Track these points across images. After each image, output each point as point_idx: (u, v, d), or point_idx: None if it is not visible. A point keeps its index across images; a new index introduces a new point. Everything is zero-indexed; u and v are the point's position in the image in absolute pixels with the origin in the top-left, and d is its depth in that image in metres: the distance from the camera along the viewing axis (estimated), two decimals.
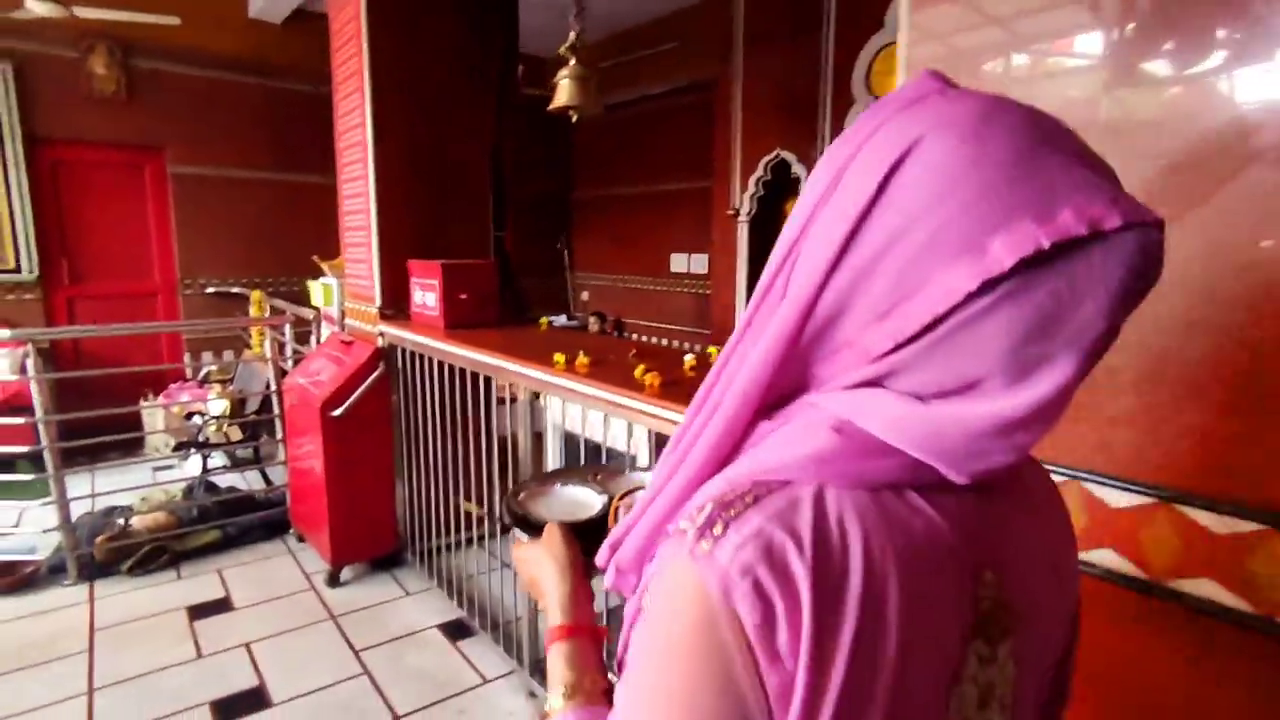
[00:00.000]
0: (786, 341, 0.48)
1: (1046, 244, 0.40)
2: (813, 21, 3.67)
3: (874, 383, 0.47)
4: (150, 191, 4.97)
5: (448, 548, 2.85)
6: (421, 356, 2.76)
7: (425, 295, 2.87)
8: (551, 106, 2.92)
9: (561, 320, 6.74)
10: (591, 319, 6.17)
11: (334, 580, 2.98)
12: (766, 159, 3.98)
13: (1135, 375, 0.91)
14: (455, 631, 2.66)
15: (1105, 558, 0.95)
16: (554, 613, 0.68)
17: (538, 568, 0.73)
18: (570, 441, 2.37)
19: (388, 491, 3.08)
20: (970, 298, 0.42)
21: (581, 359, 2.03)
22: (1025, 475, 0.56)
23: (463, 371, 2.49)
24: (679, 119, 5.56)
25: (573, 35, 2.83)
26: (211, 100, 5.06)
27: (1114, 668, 0.94)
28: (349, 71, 3.01)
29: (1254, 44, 0.81)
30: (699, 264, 5.86)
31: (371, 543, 3.07)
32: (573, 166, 6.95)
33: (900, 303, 0.44)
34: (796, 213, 0.49)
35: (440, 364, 2.62)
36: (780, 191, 4.12)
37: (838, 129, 3.62)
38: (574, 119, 2.99)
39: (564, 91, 2.83)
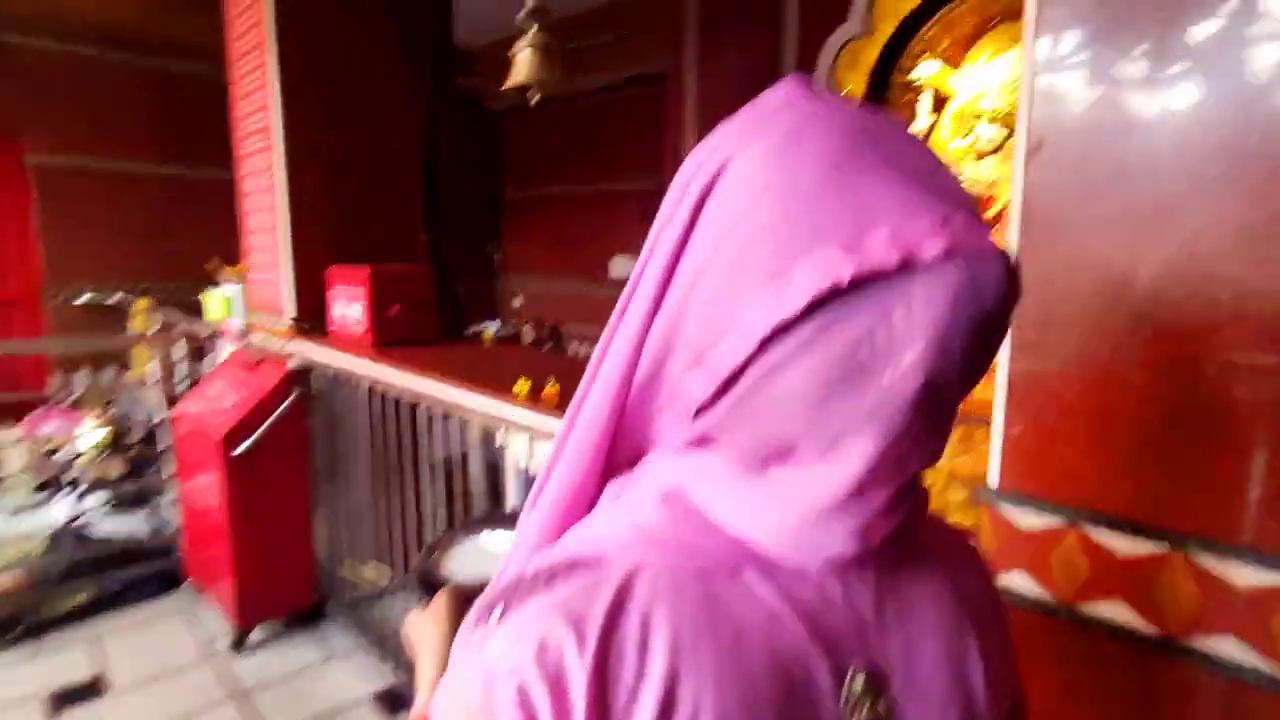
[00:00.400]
0: (614, 392, 0.43)
1: (847, 277, 0.34)
2: (772, 11, 3.44)
3: (705, 441, 0.42)
4: (3, 185, 4.26)
5: (379, 596, 2.44)
6: (345, 380, 2.34)
7: (349, 307, 2.45)
8: (508, 84, 2.55)
9: (494, 327, 6.36)
10: (526, 327, 5.78)
11: (241, 644, 2.51)
12: None
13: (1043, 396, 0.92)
14: (392, 703, 2.26)
15: (1017, 581, 0.95)
16: (420, 697, 0.56)
17: (419, 642, 0.62)
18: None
19: (305, 535, 2.63)
20: (768, 342, 0.36)
21: (551, 387, 1.69)
22: (926, 540, 0.46)
23: (397, 398, 2.10)
24: (622, 115, 5.26)
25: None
26: (78, 80, 4.39)
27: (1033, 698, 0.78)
28: (249, 45, 2.56)
29: None
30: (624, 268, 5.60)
31: (287, 596, 2.62)
32: (504, 164, 6.53)
33: (709, 347, 0.39)
34: (647, 241, 0.44)
35: (370, 389, 2.22)
36: None
37: None
38: (532, 101, 2.64)
39: (524, 65, 2.47)
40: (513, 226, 6.57)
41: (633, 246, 5.49)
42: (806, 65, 3.32)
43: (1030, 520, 0.94)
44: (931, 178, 0.38)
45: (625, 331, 0.43)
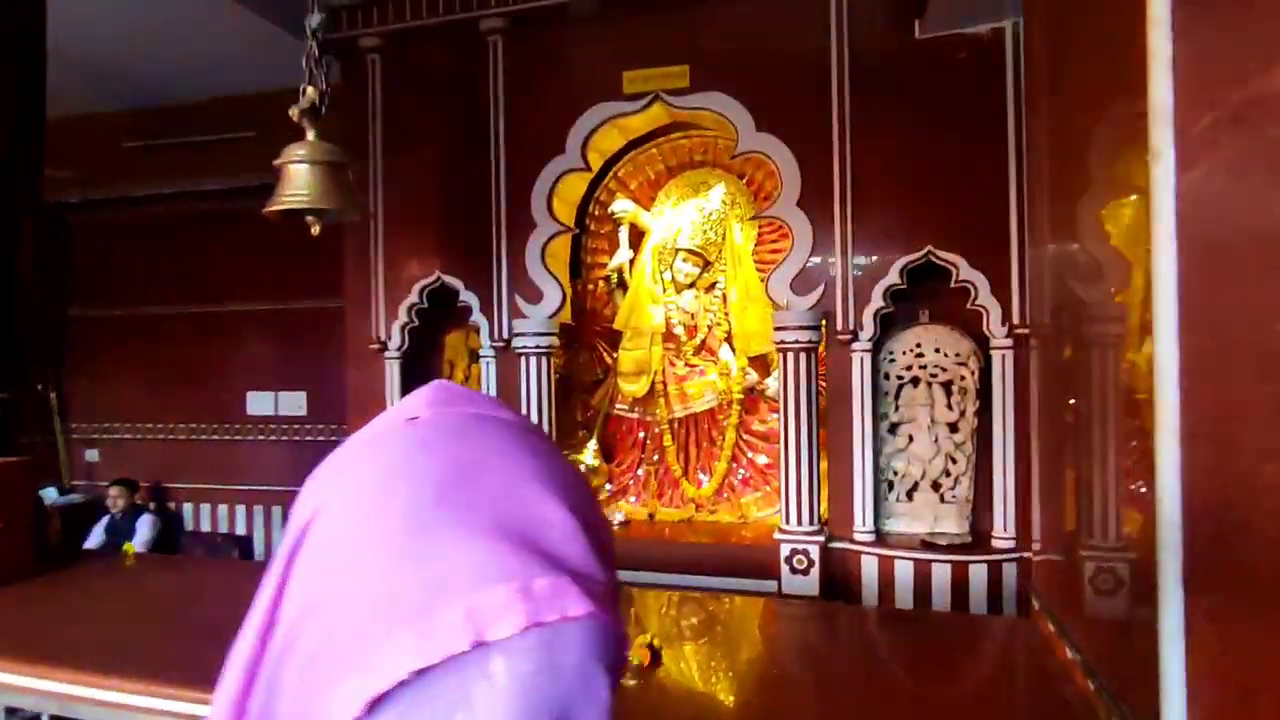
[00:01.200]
0: None
1: (413, 669, 0.31)
2: (476, 129, 3.22)
3: None
4: None
5: None
6: None
7: None
8: (274, 207, 1.86)
9: (53, 495, 4.54)
10: (114, 490, 4.24)
11: None
12: (423, 283, 3.29)
13: None
14: None
15: None
16: None
17: None
18: None
19: None
20: None
21: None
22: None
23: None
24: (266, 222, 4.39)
25: (310, 91, 1.85)
26: None
27: None
28: None
29: None
30: (291, 404, 4.62)
31: None
32: (72, 278, 4.90)
33: None
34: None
35: None
36: (443, 319, 3.45)
37: (515, 253, 3.20)
38: (315, 229, 1.94)
39: (300, 182, 1.82)
40: (85, 357, 4.93)
41: (279, 379, 4.54)
42: (521, 188, 3.15)
43: None
44: (535, 526, 0.35)
45: (220, 699, 0.38)
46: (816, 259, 2.84)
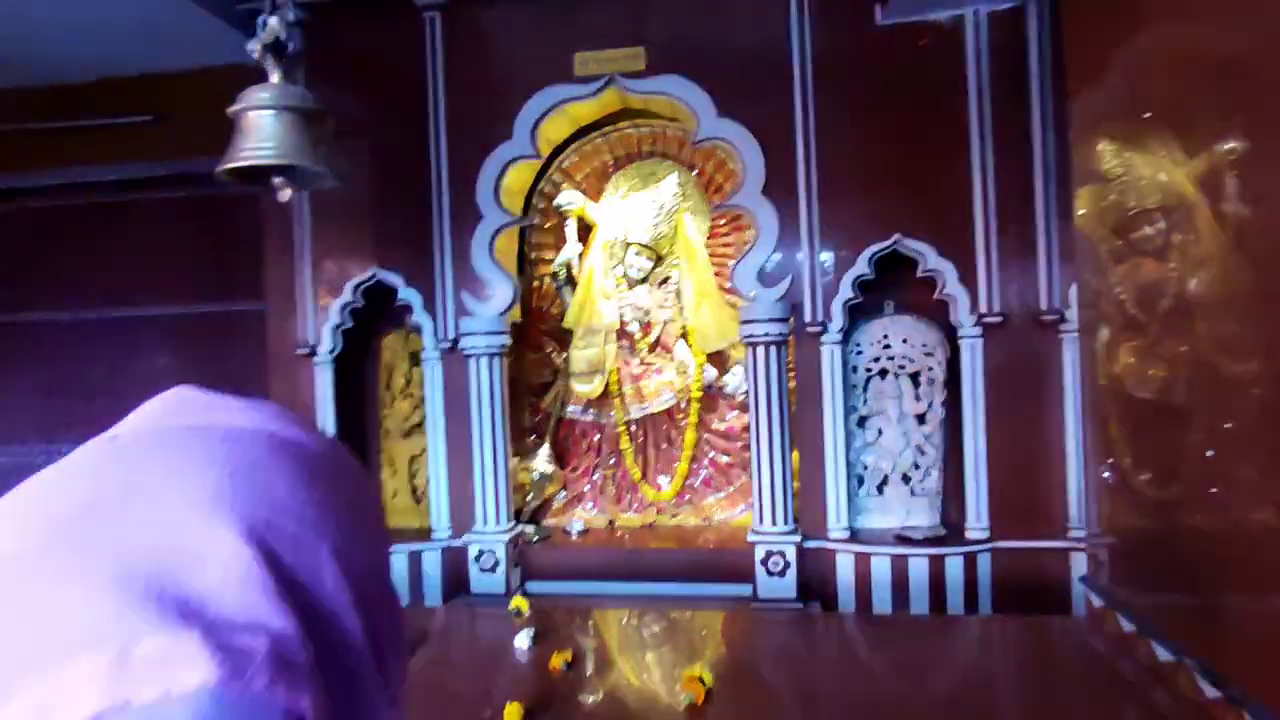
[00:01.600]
0: None
1: None
2: (413, 114, 2.97)
3: None
4: None
5: None
6: None
7: None
8: (231, 164, 1.55)
9: None
10: None
11: None
12: (357, 280, 3.00)
13: None
14: None
15: None
16: None
17: None
18: None
19: None
20: None
21: None
22: None
23: None
24: (169, 216, 3.95)
25: (273, 22, 1.57)
26: None
27: None
28: None
29: None
30: None
31: None
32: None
33: None
34: None
35: None
36: (379, 320, 3.17)
37: (460, 247, 2.96)
38: (283, 197, 1.65)
39: (265, 133, 1.53)
40: None
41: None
42: (464, 177, 2.93)
43: None
44: (176, 567, 0.27)
45: None
46: (782, 250, 2.75)
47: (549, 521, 3.34)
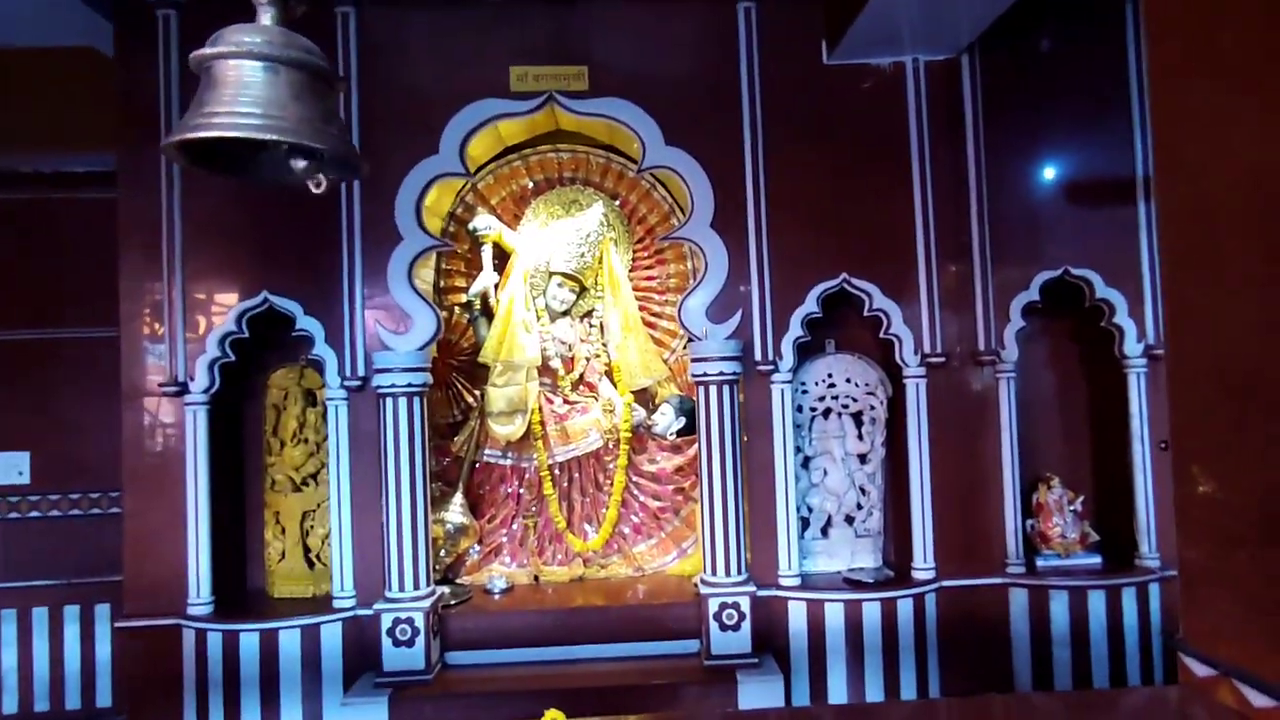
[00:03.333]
0: None
1: None
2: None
3: None
4: None
5: None
6: None
7: None
8: (215, 132, 1.09)
9: None
10: None
11: None
12: (244, 306, 2.54)
13: None
14: None
15: None
16: None
17: None
18: None
19: None
20: None
21: None
22: None
23: None
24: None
25: None
26: None
27: None
28: None
29: None
30: (4, 469, 3.42)
31: None
32: None
33: None
34: None
35: None
36: (264, 353, 2.71)
37: (372, 270, 2.61)
38: (319, 187, 1.22)
39: (263, 93, 1.09)
40: None
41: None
42: (380, 193, 2.59)
43: None
44: None
45: None
46: (730, 286, 2.65)
47: (464, 579, 2.98)
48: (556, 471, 3.13)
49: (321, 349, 2.57)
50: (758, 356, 2.63)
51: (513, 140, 2.99)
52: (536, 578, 3.01)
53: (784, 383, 2.63)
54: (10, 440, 3.41)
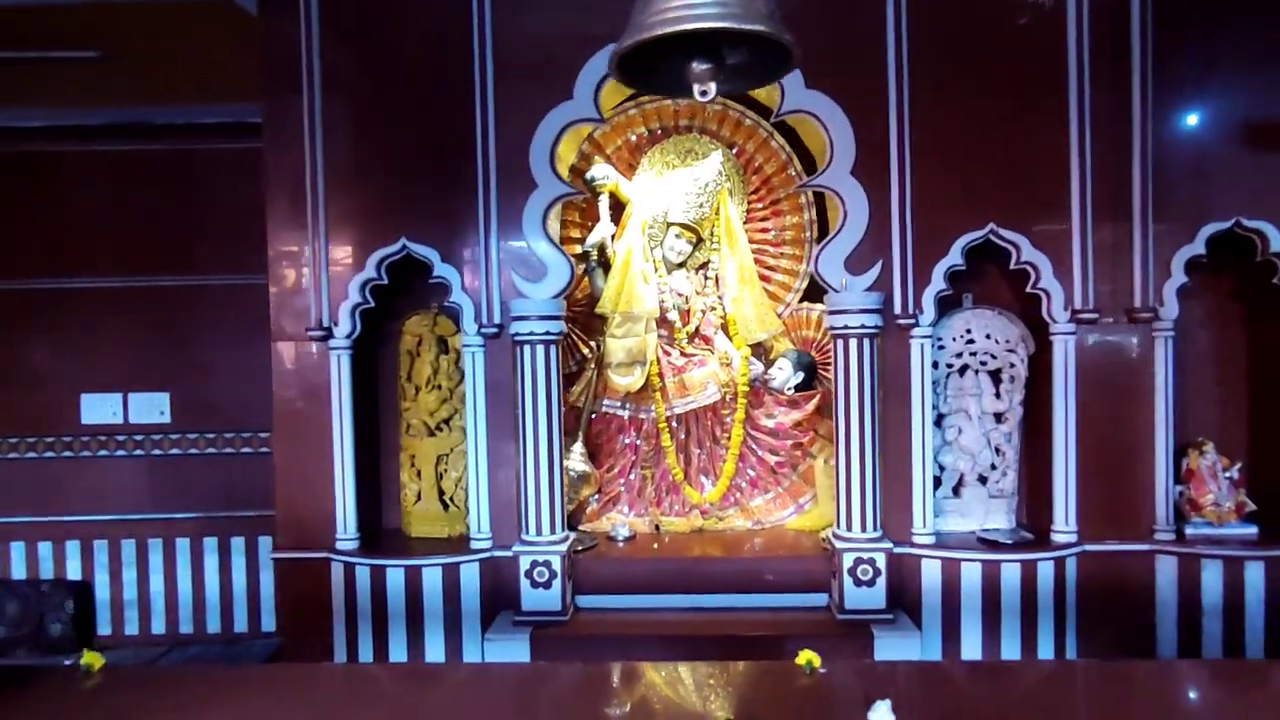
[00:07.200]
0: None
1: None
2: (455, 63, 2.59)
3: None
4: None
5: None
6: None
7: None
8: (659, 32, 1.11)
9: None
10: None
11: None
12: (383, 254, 2.59)
13: None
14: None
15: None
16: None
17: None
18: None
19: None
20: None
21: None
22: None
23: None
24: (118, 171, 3.36)
25: None
26: None
27: None
28: None
29: None
30: (148, 408, 3.62)
31: None
32: None
33: None
34: None
35: None
36: (400, 300, 2.77)
37: (507, 218, 2.61)
38: (710, 94, 1.23)
39: None
40: None
41: (130, 377, 3.52)
42: (514, 142, 2.58)
43: None
44: None
45: None
46: (870, 236, 2.55)
47: (585, 527, 3.04)
48: (674, 424, 3.13)
49: (458, 296, 2.60)
50: (897, 310, 2.55)
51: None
52: (657, 527, 3.04)
53: (924, 337, 2.54)
54: (152, 381, 3.61)
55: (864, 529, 2.50)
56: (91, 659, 1.02)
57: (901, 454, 2.56)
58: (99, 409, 3.61)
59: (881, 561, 2.47)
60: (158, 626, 3.64)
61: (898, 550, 2.53)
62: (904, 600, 2.55)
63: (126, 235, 3.52)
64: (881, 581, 2.47)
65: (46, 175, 3.44)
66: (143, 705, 0.94)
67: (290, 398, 2.67)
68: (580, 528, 3.02)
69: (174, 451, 3.63)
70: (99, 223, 3.48)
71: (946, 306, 2.67)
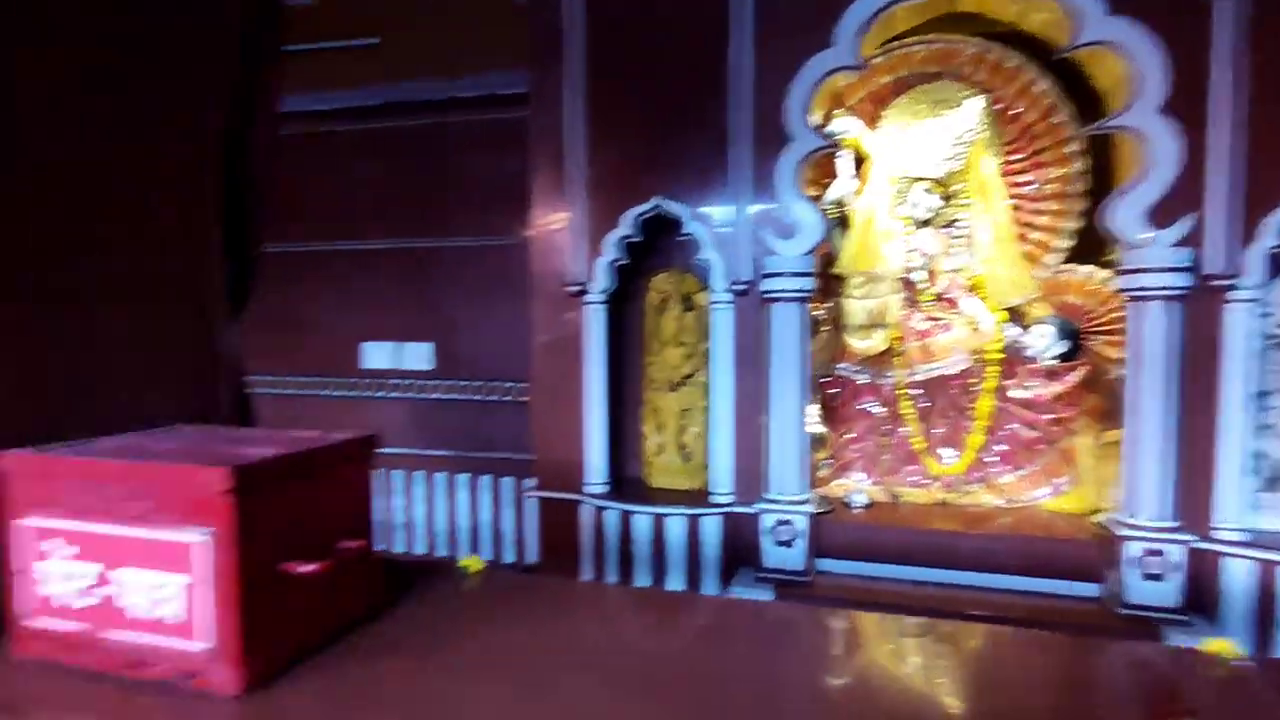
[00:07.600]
0: None
1: None
2: (712, 17, 2.58)
3: None
4: None
5: None
6: None
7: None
8: None
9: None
10: None
11: None
12: (638, 210, 2.68)
13: None
14: None
15: None
16: None
17: None
18: None
19: None
20: None
21: None
22: None
23: None
24: (380, 144, 3.78)
25: None
26: None
27: None
28: None
29: None
30: (416, 356, 4.05)
31: None
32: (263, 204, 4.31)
33: None
34: None
35: None
36: (648, 256, 2.86)
37: (762, 172, 2.58)
38: None
39: None
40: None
41: (403, 328, 3.97)
42: (770, 93, 2.52)
43: None
44: None
45: None
46: (1181, 184, 2.22)
47: (816, 491, 2.99)
48: (915, 391, 2.97)
49: (708, 253, 2.63)
50: (1208, 269, 2.20)
51: (906, 25, 2.77)
52: (895, 496, 2.92)
53: (1245, 301, 2.18)
54: (417, 333, 4.04)
55: (1157, 517, 2.22)
56: (470, 562, 1.15)
57: (1204, 434, 2.23)
58: (376, 356, 4.11)
59: (1178, 555, 2.19)
60: (419, 548, 4.12)
61: (1200, 545, 2.23)
62: (1199, 601, 2.25)
63: (392, 202, 3.94)
64: (1178, 578, 2.19)
65: (331, 152, 3.93)
66: (513, 610, 1.04)
67: (547, 350, 2.86)
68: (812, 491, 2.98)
69: (435, 395, 4.06)
70: (371, 191, 3.92)
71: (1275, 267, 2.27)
